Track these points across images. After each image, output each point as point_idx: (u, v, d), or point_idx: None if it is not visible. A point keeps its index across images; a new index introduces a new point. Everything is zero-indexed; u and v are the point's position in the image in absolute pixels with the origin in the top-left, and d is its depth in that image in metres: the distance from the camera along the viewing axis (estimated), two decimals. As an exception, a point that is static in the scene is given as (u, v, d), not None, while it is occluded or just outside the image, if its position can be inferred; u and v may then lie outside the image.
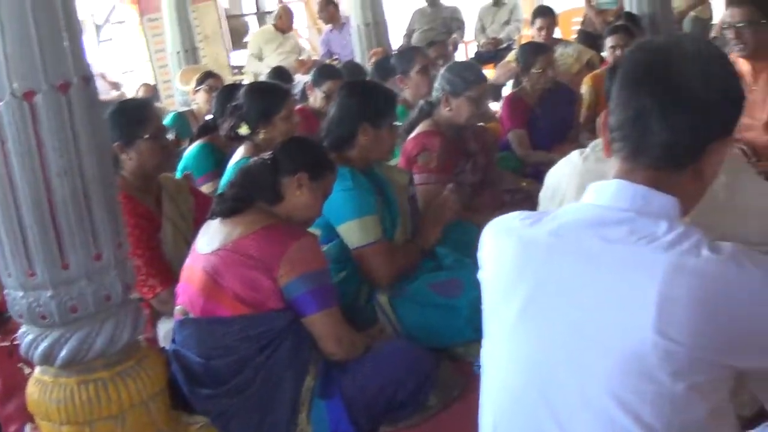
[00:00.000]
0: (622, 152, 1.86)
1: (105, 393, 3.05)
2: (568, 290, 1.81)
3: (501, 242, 1.97)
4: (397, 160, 4.96)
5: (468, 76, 4.99)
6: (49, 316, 2.96)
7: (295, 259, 3.25)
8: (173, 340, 3.46)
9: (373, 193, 3.99)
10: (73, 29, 2.83)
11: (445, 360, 3.74)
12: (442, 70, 5.15)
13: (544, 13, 8.80)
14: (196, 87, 7.61)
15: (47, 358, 3.04)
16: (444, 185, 4.46)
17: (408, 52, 6.94)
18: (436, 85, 5.10)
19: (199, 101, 7.53)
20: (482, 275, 2.02)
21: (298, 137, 4.01)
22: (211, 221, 3.47)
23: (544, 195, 3.12)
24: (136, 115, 4.22)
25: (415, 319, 3.85)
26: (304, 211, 3.53)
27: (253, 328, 3.27)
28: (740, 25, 5.23)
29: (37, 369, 3.17)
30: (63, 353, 3.01)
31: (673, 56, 1.81)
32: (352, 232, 3.89)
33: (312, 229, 3.83)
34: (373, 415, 3.38)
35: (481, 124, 5.64)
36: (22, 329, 3.11)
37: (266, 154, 3.60)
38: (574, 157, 3.01)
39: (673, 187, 1.82)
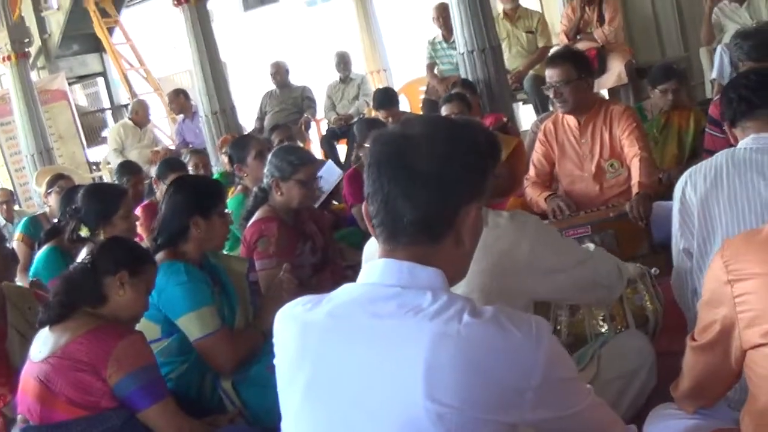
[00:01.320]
0: (382, 236, 1.99)
1: None
2: (343, 368, 1.91)
3: (284, 329, 2.08)
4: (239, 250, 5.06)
5: (293, 160, 5.05)
6: None
7: (122, 357, 3.32)
8: None
9: (209, 284, 4.05)
10: None
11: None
12: (270, 156, 5.21)
13: (387, 105, 8.94)
14: (47, 190, 7.61)
15: None
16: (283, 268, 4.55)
17: (242, 140, 6.99)
18: (266, 171, 5.15)
19: (51, 204, 7.50)
20: (275, 362, 2.12)
21: (114, 237, 4.07)
22: (41, 329, 3.50)
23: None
24: None
25: (259, 401, 3.89)
26: (129, 308, 3.58)
27: (90, 429, 3.32)
28: (558, 84, 5.52)
29: None
30: None
31: (403, 142, 1.96)
32: (192, 325, 3.92)
33: (151, 325, 3.93)
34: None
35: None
36: None
37: (84, 258, 3.65)
38: None
39: (435, 259, 1.95)
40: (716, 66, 8.53)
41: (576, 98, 5.58)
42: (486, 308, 1.89)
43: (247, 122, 11.46)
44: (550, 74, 5.59)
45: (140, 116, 11.90)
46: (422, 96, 11.09)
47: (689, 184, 3.32)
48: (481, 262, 2.64)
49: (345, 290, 2.04)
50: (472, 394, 1.79)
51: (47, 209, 7.77)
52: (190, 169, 7.91)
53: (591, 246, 3.55)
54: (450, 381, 1.78)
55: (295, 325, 2.06)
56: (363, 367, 1.89)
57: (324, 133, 11.65)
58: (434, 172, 1.92)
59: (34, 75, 12.62)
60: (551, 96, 5.66)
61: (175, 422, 3.44)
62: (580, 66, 5.59)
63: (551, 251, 2.89)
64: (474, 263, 2.13)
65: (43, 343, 3.44)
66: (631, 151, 5.50)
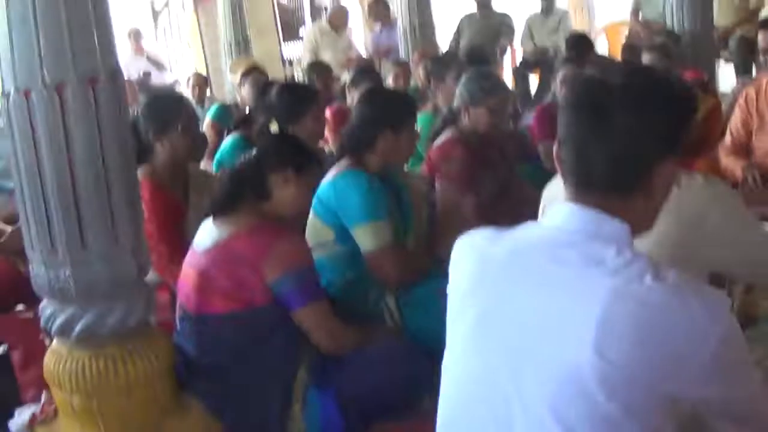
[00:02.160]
0: (570, 181, 1.96)
1: (114, 368, 3.24)
2: (517, 308, 1.90)
3: (463, 257, 2.08)
4: (420, 167, 5.08)
5: (485, 86, 5.01)
6: (67, 292, 3.16)
7: (281, 256, 3.35)
8: (176, 333, 3.61)
9: (388, 198, 4.07)
10: (104, 27, 3.01)
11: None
12: (462, 78, 5.17)
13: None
14: (241, 80, 7.76)
15: (63, 332, 3.24)
16: (464, 194, 4.56)
17: (444, 58, 6.99)
18: (457, 93, 5.12)
19: (244, 94, 7.67)
20: (448, 288, 2.12)
21: (282, 133, 4.10)
22: (206, 220, 3.58)
23: (540, 212, 3.19)
24: (169, 107, 4.41)
25: (420, 322, 3.91)
26: (292, 206, 3.60)
27: (244, 323, 3.40)
28: (774, 48, 5.28)
29: (55, 341, 3.37)
30: (78, 328, 3.21)
31: (602, 89, 1.90)
32: (365, 235, 3.95)
33: (326, 228, 4.00)
34: (365, 411, 3.48)
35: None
36: (43, 303, 3.31)
37: (253, 153, 3.67)
38: None
39: (623, 211, 1.90)
40: None
41: None
42: (669, 273, 1.83)
43: (442, 42, 11.41)
44: (766, 38, 5.35)
45: (338, 20, 11.95)
46: (623, 40, 10.85)
47: None
48: (664, 222, 2.59)
49: (528, 230, 2.03)
50: (640, 356, 1.76)
51: (239, 98, 7.93)
52: (390, 80, 7.92)
53: None
54: (621, 339, 1.75)
55: (474, 254, 2.05)
56: (536, 310, 1.87)
57: (518, 62, 11.52)
58: (631, 124, 1.87)
59: (241, -35, 12.80)
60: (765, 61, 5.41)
61: (328, 324, 3.49)
62: None
63: (740, 225, 2.80)
64: (658, 221, 2.08)
65: (207, 234, 3.51)
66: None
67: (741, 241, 2.78)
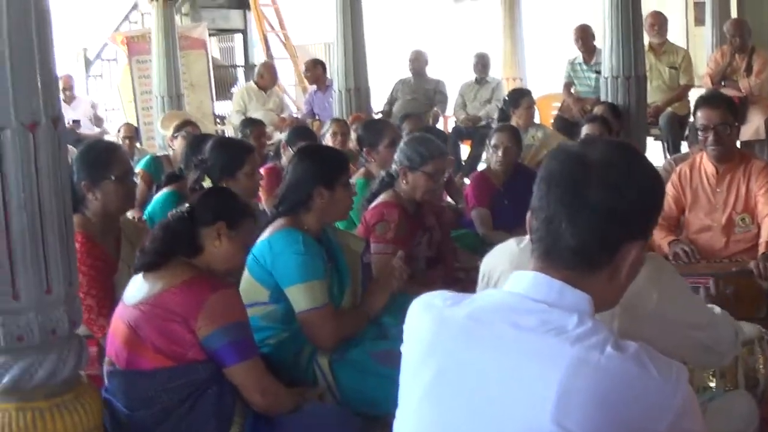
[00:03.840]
0: (537, 251, 1.96)
1: (42, 422, 3.11)
2: (475, 371, 1.89)
3: (419, 318, 2.06)
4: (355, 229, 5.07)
5: (424, 152, 5.04)
6: (-4, 342, 3.06)
7: (214, 311, 3.31)
8: (105, 389, 3.52)
9: (324, 258, 4.05)
10: (48, 73, 2.96)
11: (378, 429, 3.71)
12: (401, 143, 5.20)
13: (526, 94, 8.96)
14: (173, 134, 7.71)
15: (-9, 383, 3.13)
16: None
17: (376, 124, 7.00)
18: (395, 157, 5.15)
19: (176, 148, 7.61)
20: (402, 348, 2.10)
21: (215, 188, 4.08)
22: (136, 274, 3.51)
23: (479, 280, 3.19)
24: (104, 157, 4.35)
25: (354, 385, 3.90)
26: (225, 260, 3.56)
27: (174, 380, 3.33)
28: (719, 126, 5.36)
29: (-17, 391, 3.26)
30: (5, 379, 3.08)
31: (580, 164, 1.92)
32: (300, 295, 3.93)
33: (261, 288, 3.96)
34: (297, 472, 3.43)
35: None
36: (-27, 351, 3.21)
37: (183, 207, 3.62)
38: (511, 244, 3.04)
39: (587, 285, 1.91)
40: None
41: (729, 144, 5.46)
42: (630, 344, 1.84)
43: (375, 104, 11.49)
44: (708, 115, 5.41)
45: (266, 79, 11.99)
46: (554, 112, 11.02)
47: None
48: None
49: (488, 295, 2.04)
50: (599, 427, 1.76)
51: (170, 152, 7.88)
52: (329, 138, 7.91)
53: (716, 308, 3.47)
54: (580, 410, 1.75)
55: (431, 315, 2.04)
56: (494, 375, 1.86)
57: (450, 130, 11.62)
58: (604, 202, 1.88)
59: (177, 20, 12.77)
60: (708, 138, 5.46)
61: (261, 383, 3.44)
62: (732, 112, 5.48)
63: (680, 306, 2.81)
64: None
65: (137, 289, 3.44)
66: (765, 209, 5.36)
67: (679, 322, 2.80)
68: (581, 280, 1.91)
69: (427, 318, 2.04)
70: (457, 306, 2.00)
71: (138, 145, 10.77)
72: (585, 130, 7.09)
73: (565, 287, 1.90)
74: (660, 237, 5.65)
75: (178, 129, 7.68)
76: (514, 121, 8.25)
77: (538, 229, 1.95)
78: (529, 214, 2.00)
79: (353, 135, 7.95)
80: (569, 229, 1.89)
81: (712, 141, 5.41)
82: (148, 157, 8.12)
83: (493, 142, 6.57)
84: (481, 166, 8.75)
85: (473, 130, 10.98)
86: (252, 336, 3.53)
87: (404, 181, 5.03)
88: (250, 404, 3.44)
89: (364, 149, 6.59)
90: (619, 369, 1.78)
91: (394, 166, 5.14)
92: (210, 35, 16.01)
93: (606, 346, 1.79)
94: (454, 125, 11.76)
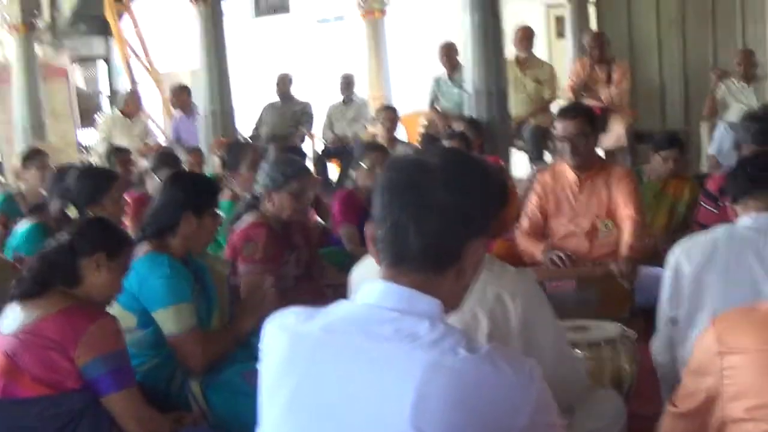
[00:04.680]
0: (385, 260, 1.98)
1: None
2: (331, 384, 1.90)
3: (274, 337, 2.06)
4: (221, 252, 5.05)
5: (287, 171, 5.04)
6: None
7: (93, 340, 3.29)
8: None
9: (191, 282, 4.03)
10: None
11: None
12: (264, 165, 5.21)
13: (388, 109, 9.07)
14: (24, 164, 7.48)
15: None
16: (267, 277, 4.54)
17: (238, 147, 7.04)
18: (259, 179, 5.14)
19: (29, 179, 7.40)
20: (259, 367, 2.10)
21: (95, 218, 4.04)
22: (11, 304, 3.46)
23: (351, 293, 3.21)
24: None
25: (226, 407, 3.87)
26: (104, 290, 3.54)
27: (51, 408, 3.29)
28: (575, 136, 5.52)
29: None
30: None
31: (420, 170, 1.95)
32: (168, 319, 3.90)
33: (128, 314, 3.90)
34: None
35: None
36: None
37: (63, 237, 3.59)
38: None
39: (435, 288, 1.95)
40: (715, 142, 8.64)
41: (588, 153, 5.61)
42: (482, 344, 1.89)
43: (243, 128, 11.46)
44: (566, 126, 5.58)
45: (130, 107, 11.84)
46: (421, 129, 11.12)
47: (684, 255, 3.37)
48: (471, 310, 2.66)
49: (341, 307, 2.03)
50: (456, 428, 1.79)
51: (22, 186, 7.58)
52: (184, 167, 7.88)
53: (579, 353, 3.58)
54: (437, 413, 1.78)
55: (286, 334, 2.03)
56: (351, 386, 1.88)
57: (318, 150, 11.65)
58: (447, 205, 1.92)
59: (38, 49, 12.56)
60: (566, 148, 5.62)
61: (139, 412, 3.42)
62: (591, 122, 5.63)
63: (542, 327, 2.89)
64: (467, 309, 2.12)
65: (13, 318, 3.40)
66: (626, 212, 5.53)
67: (539, 341, 2.87)
68: (430, 283, 1.95)
69: (281, 337, 2.04)
70: (311, 320, 2.01)
71: (1, 179, 10.50)
72: (446, 145, 7.10)
73: (415, 294, 1.93)
74: (531, 246, 5.78)
75: (29, 159, 7.47)
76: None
77: (384, 237, 1.97)
78: (370, 226, 2.02)
79: (215, 160, 7.96)
80: (415, 235, 1.92)
81: (568, 150, 5.56)
82: (0, 196, 7.86)
83: (364, 162, 6.58)
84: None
85: (341, 150, 11.03)
86: (130, 365, 3.51)
87: (270, 203, 5.02)
88: None
89: (228, 172, 6.58)
90: (473, 370, 1.81)
91: (257, 188, 5.13)
92: (72, 63, 15.75)
93: (458, 349, 1.83)
94: (322, 146, 11.79)
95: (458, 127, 8.03)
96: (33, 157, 7.48)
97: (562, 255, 5.59)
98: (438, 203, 1.92)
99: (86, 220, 3.76)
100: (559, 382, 3.01)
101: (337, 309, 2.02)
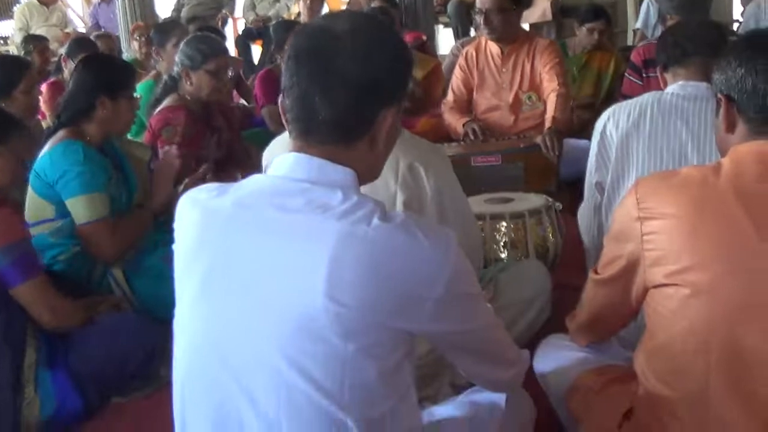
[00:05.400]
0: (295, 131, 1.93)
1: None
2: (245, 258, 1.87)
3: (187, 214, 2.01)
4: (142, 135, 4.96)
5: (204, 49, 4.93)
6: None
7: None
8: None
9: (107, 169, 3.95)
10: None
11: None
12: (182, 45, 5.09)
13: None
14: None
15: None
16: (188, 159, 4.48)
17: (166, 24, 6.89)
18: (176, 59, 5.03)
19: None
20: (174, 247, 2.05)
21: None
22: None
23: (264, 169, 3.14)
24: None
25: (150, 291, 3.86)
26: None
27: None
28: (490, 11, 5.49)
29: None
30: None
31: (327, 37, 1.89)
32: (79, 208, 3.83)
33: (45, 203, 3.84)
34: (102, 385, 3.41)
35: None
36: None
37: None
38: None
39: (348, 158, 1.91)
40: (642, 15, 8.63)
41: (505, 27, 5.58)
42: (397, 213, 1.87)
43: (163, 12, 11.19)
44: (482, 0, 5.55)
45: (47, -6, 11.55)
46: (344, 7, 10.95)
47: (611, 120, 3.35)
48: (390, 175, 2.63)
49: (252, 181, 1.99)
50: (371, 296, 1.77)
51: None
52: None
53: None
54: (351, 281, 1.76)
55: (197, 210, 1.98)
56: (265, 259, 1.85)
57: (240, 32, 11.44)
58: (355, 72, 1.86)
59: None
60: (480, 22, 5.62)
61: (48, 300, 3.35)
62: None
63: (452, 198, 2.88)
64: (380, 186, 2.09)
65: None
66: (550, 86, 5.54)
67: (455, 210, 2.86)
68: (342, 154, 1.91)
69: (194, 212, 1.99)
70: (223, 195, 1.96)
71: None
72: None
73: (326, 164, 1.89)
74: (454, 119, 5.80)
75: None
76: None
77: (293, 107, 1.92)
78: (281, 97, 1.96)
79: (136, 44, 7.79)
80: (324, 104, 1.86)
81: (483, 24, 5.54)
82: None
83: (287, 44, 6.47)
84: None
85: (263, 30, 10.82)
86: (35, 253, 3.43)
87: (188, 83, 4.92)
88: (40, 323, 3.35)
89: (154, 49, 6.53)
90: (387, 238, 1.79)
91: (176, 68, 5.02)
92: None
93: (373, 218, 1.80)
94: (243, 27, 11.57)
95: (375, 3, 7.90)
96: None
97: (476, 127, 5.59)
98: (343, 71, 1.86)
99: None
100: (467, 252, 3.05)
101: (248, 183, 1.98)
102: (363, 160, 1.94)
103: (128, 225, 4.03)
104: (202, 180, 4.16)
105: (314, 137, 1.90)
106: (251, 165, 5.20)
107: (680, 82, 3.31)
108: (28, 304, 3.31)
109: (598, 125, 3.42)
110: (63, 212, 3.86)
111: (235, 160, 5.16)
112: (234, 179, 2.08)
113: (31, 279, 3.30)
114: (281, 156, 1.95)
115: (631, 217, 2.19)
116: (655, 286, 2.15)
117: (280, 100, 1.96)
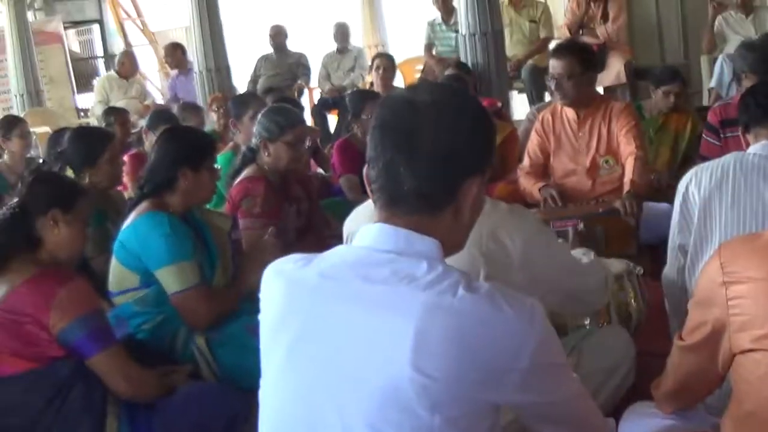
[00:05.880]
0: (380, 201, 1.96)
1: None
2: (330, 330, 1.88)
3: (272, 285, 2.04)
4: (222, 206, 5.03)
5: (281, 121, 4.99)
6: None
7: (65, 304, 3.21)
8: None
9: (191, 238, 4.00)
10: None
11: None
12: (259, 116, 5.16)
13: (383, 56, 9.04)
14: (4, 134, 7.36)
15: None
16: (268, 229, 4.52)
17: (243, 96, 7.01)
18: (254, 131, 5.10)
19: (14, 149, 7.32)
20: (260, 317, 2.08)
21: (40, 173, 3.98)
22: None
23: (345, 239, 3.17)
24: None
25: (233, 360, 3.86)
26: (67, 247, 3.47)
27: (37, 382, 3.22)
28: (561, 76, 5.51)
29: None
30: None
31: (410, 108, 1.92)
32: (170, 277, 3.87)
33: (130, 274, 3.90)
34: (184, 453, 3.40)
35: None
36: None
37: (11, 203, 3.47)
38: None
39: (433, 229, 1.92)
40: (716, 75, 8.57)
41: (577, 92, 5.59)
42: (482, 284, 1.87)
43: (239, 83, 11.39)
44: (554, 65, 5.59)
45: (126, 68, 11.80)
46: (418, 75, 11.05)
47: (694, 182, 3.32)
48: (473, 245, 2.62)
49: (338, 252, 2.01)
50: (458, 368, 1.77)
51: (6, 156, 7.42)
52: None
53: (585, 258, 3.53)
54: (437, 353, 1.76)
55: (283, 281, 2.02)
56: (351, 330, 1.86)
57: (316, 102, 11.59)
58: (438, 143, 1.89)
59: (30, 15, 12.47)
60: (553, 87, 5.65)
61: (124, 370, 3.36)
62: (584, 60, 5.60)
63: (546, 254, 2.85)
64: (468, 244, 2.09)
65: None
66: (627, 149, 5.51)
67: (545, 270, 2.83)
68: (426, 224, 1.92)
69: (279, 283, 2.02)
70: (308, 266, 1.99)
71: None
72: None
73: (412, 234, 1.90)
74: (530, 184, 5.79)
75: (7, 128, 7.36)
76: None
77: (378, 178, 1.94)
78: (366, 167, 1.99)
79: (213, 115, 7.90)
80: (408, 174, 1.88)
81: (555, 89, 5.56)
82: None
83: (365, 113, 6.49)
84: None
85: (339, 100, 10.96)
86: (108, 323, 3.46)
87: (266, 153, 4.98)
88: (116, 393, 3.36)
89: (231, 121, 6.64)
90: (472, 309, 1.79)
91: (254, 140, 5.09)
92: (66, 28, 15.64)
93: (458, 289, 1.81)
94: (319, 97, 11.72)
95: (450, 72, 7.96)
96: (12, 126, 7.38)
97: (553, 193, 5.58)
98: (427, 142, 1.88)
99: (33, 179, 3.63)
100: (578, 297, 3.02)
101: (333, 254, 2.00)
102: (448, 230, 1.95)
103: (224, 294, 4.08)
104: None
105: (399, 207, 1.92)
106: (331, 234, 5.26)
107: (762, 142, 3.29)
108: (103, 374, 3.33)
109: (681, 187, 3.40)
110: (147, 281, 3.92)
111: (315, 229, 5.19)
112: (316, 249, 2.11)
113: (108, 348, 3.33)
114: (365, 226, 1.97)
115: (715, 282, 2.16)
116: (742, 352, 2.12)
117: (365, 170, 1.99)
